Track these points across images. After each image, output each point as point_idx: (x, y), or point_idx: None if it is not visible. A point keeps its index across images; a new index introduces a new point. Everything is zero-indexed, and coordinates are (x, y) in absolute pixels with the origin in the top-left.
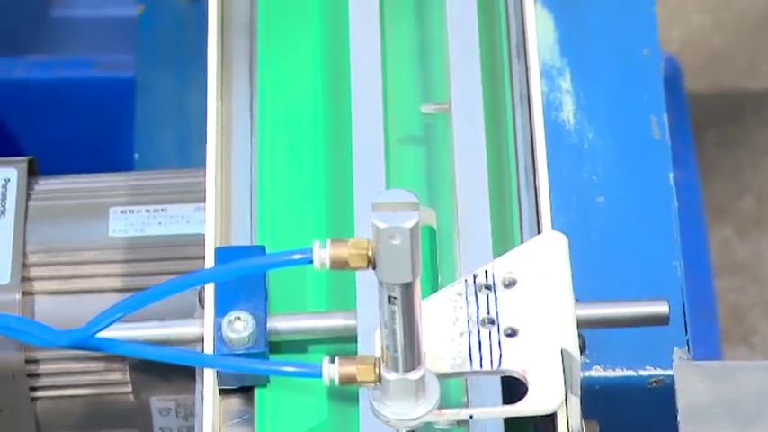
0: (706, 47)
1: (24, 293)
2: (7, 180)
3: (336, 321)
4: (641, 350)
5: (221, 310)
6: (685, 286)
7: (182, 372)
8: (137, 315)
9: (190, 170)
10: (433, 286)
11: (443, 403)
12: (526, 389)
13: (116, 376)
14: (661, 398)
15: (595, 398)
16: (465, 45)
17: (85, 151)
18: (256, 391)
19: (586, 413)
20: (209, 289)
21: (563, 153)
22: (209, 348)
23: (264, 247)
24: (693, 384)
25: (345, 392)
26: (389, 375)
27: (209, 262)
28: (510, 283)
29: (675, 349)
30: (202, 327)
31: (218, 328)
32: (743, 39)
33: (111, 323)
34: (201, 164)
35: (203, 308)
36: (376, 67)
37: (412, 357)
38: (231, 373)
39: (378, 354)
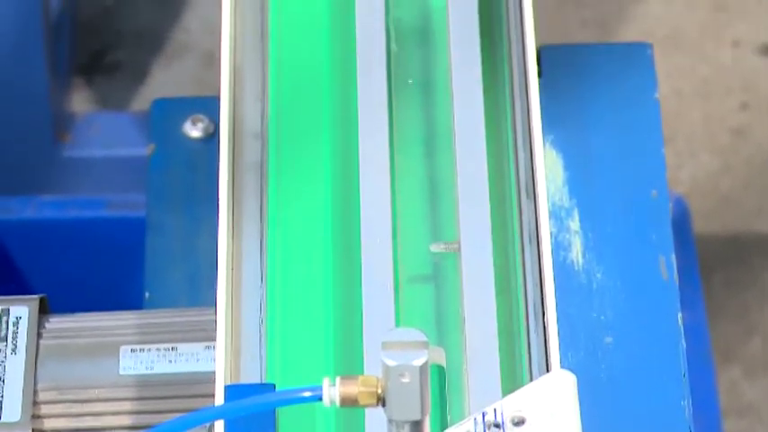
0: (714, 189)
1: (35, 431)
2: (19, 318)
3: None
4: None
5: None
6: (694, 427)
7: None
8: None
9: (200, 309)
10: (443, 424)
11: None
12: None
13: None
14: None
15: None
16: (474, 184)
17: (96, 289)
18: None
19: None
20: (219, 426)
21: (572, 293)
22: None
23: (274, 385)
24: None
25: None
26: None
27: (219, 399)
28: (519, 422)
29: None
30: None
31: None
32: (751, 182)
33: None
34: (211, 303)
35: None
36: (386, 206)
37: None
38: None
39: None
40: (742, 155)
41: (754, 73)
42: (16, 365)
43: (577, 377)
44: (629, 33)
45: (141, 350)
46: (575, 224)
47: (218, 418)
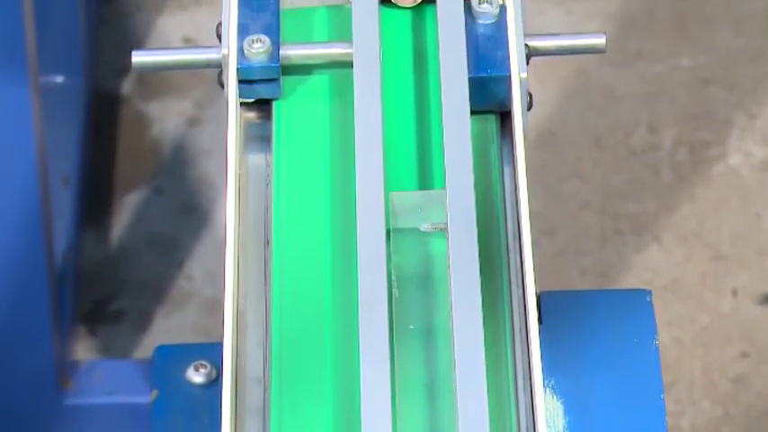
0: None
1: None
2: None
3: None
4: None
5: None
6: None
7: None
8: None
9: None
10: None
11: None
12: None
13: None
14: None
15: None
16: (476, 428)
17: None
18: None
19: None
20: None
21: None
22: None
23: None
24: None
25: None
26: None
27: None
28: None
29: None
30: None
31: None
32: (751, 431)
33: None
34: None
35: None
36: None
37: None
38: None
39: None
40: (742, 403)
41: (753, 322)
42: None
43: None
44: (629, 283)
45: None
46: None
47: None
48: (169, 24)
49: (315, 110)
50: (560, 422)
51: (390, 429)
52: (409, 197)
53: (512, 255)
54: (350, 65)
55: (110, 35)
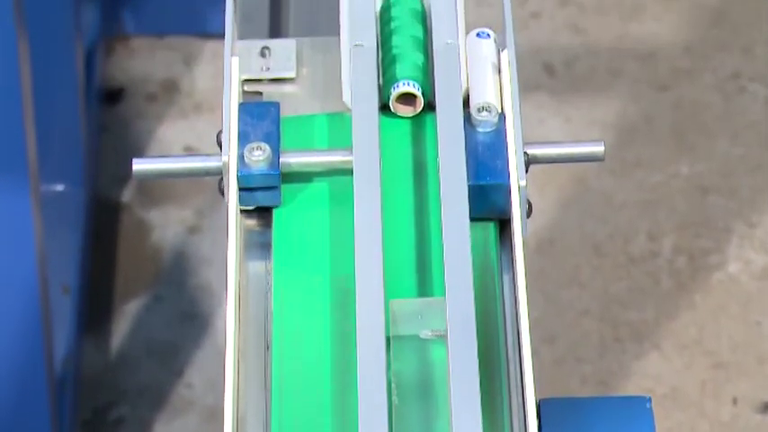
0: None
1: None
2: None
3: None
4: None
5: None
6: None
7: None
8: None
9: None
10: None
11: None
12: None
13: None
14: None
15: None
16: None
17: None
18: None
19: None
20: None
21: None
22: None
23: None
24: None
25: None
26: None
27: None
28: None
29: None
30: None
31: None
32: None
33: None
34: None
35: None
36: None
37: None
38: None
39: None
40: None
41: (754, 431)
42: None
43: None
44: (629, 390)
45: None
46: None
47: None
48: (170, 133)
49: (315, 217)
50: None
51: None
52: (409, 305)
53: (512, 363)
54: (350, 172)
55: (111, 143)
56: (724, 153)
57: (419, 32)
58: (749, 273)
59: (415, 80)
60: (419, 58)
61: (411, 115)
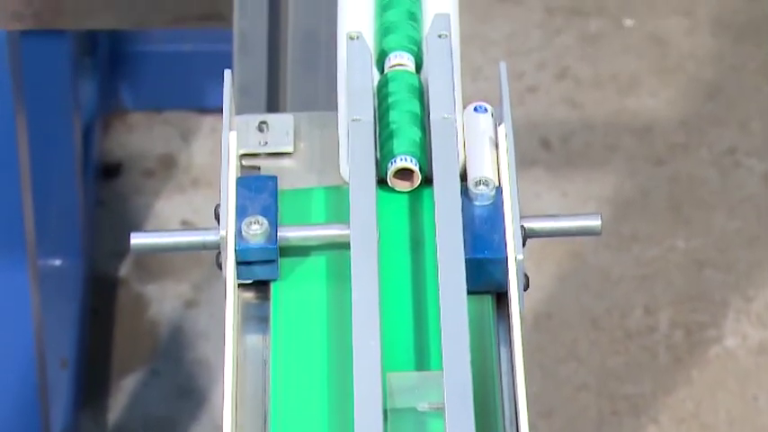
0: None
1: None
2: None
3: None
4: None
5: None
6: None
7: None
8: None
9: None
10: None
11: None
12: None
13: None
14: None
15: None
16: None
17: None
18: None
19: None
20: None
21: None
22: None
23: None
24: None
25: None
26: None
27: None
28: None
29: None
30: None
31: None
32: None
33: None
34: None
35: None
36: None
37: None
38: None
39: None
40: None
41: None
42: None
43: None
44: None
45: None
46: None
47: None
48: (167, 208)
49: (312, 291)
50: None
51: None
52: (406, 378)
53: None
54: (348, 246)
55: (108, 218)
56: (720, 227)
57: (416, 108)
58: (746, 347)
59: (412, 155)
60: (416, 133)
61: (408, 190)
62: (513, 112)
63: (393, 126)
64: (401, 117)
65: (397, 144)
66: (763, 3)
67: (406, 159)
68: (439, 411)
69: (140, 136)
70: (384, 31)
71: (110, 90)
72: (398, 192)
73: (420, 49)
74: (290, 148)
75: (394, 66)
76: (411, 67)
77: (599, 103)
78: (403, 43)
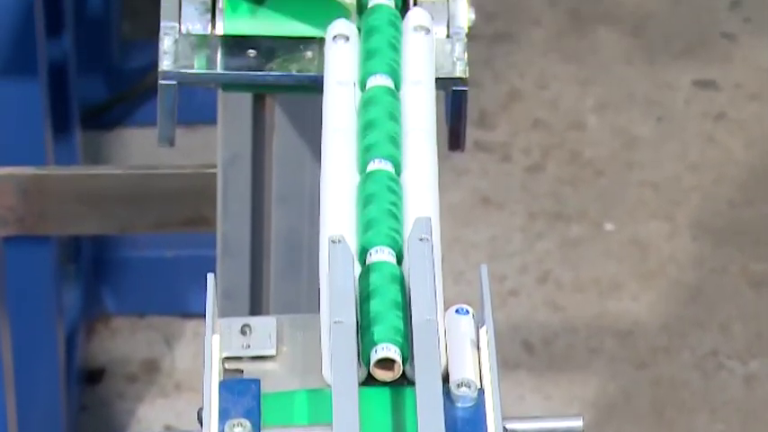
0: None
1: None
2: None
3: None
4: None
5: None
6: None
7: None
8: None
9: None
10: None
11: None
12: None
13: None
14: None
15: None
16: None
17: None
18: None
19: None
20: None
21: None
22: None
23: None
24: None
25: None
26: None
27: None
28: None
29: None
30: None
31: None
32: None
33: None
34: None
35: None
36: None
37: None
38: None
39: None
40: None
41: None
42: None
43: None
44: None
45: None
46: None
47: None
48: (150, 413)
49: None
50: None
51: None
52: None
53: None
54: None
55: (91, 423)
56: (703, 430)
57: (398, 296)
58: None
59: (394, 343)
60: (398, 320)
61: (391, 379)
62: (496, 314)
63: (373, 314)
64: (382, 304)
65: (378, 331)
66: (742, 207)
67: (388, 349)
68: None
69: (124, 341)
70: (365, 226)
71: (93, 295)
72: (381, 388)
73: (401, 242)
74: (272, 352)
75: (375, 260)
76: (392, 260)
77: (581, 307)
78: (383, 239)
